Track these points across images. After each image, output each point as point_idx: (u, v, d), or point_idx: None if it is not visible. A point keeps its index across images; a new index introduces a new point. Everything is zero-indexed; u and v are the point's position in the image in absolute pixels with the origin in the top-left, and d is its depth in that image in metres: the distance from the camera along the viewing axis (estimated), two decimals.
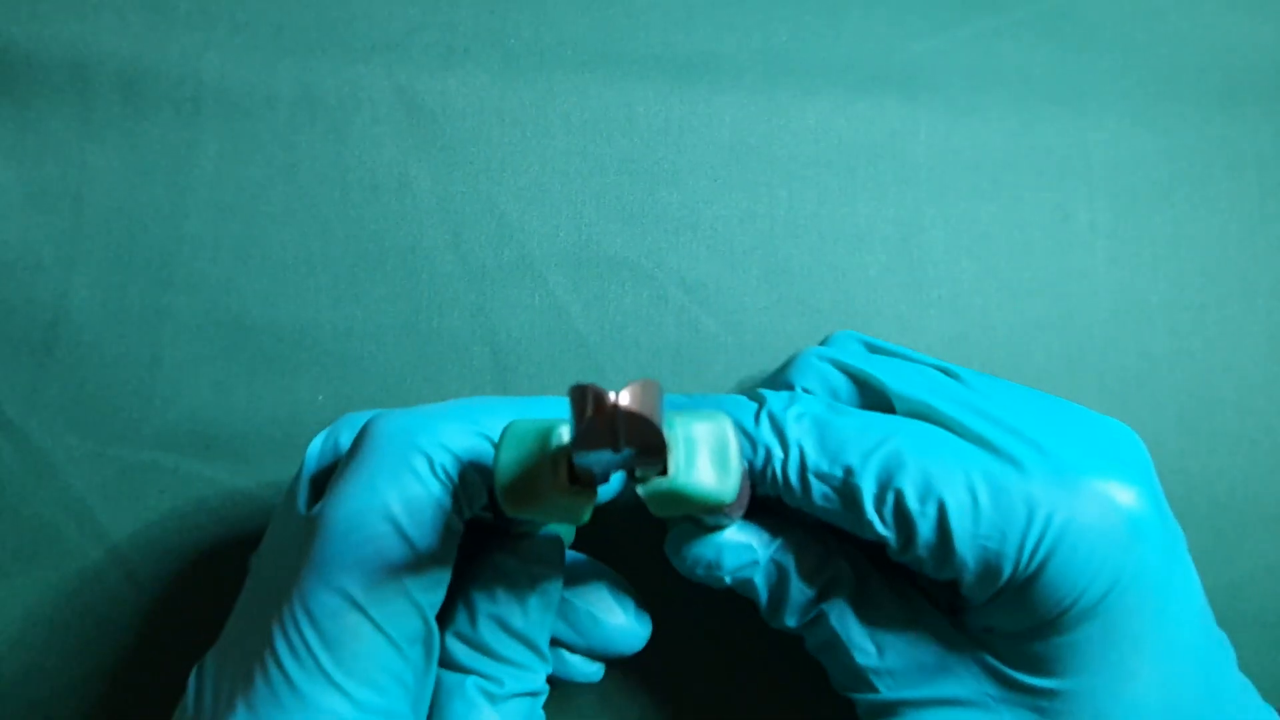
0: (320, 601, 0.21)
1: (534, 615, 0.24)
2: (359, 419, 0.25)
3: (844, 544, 0.25)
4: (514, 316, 0.31)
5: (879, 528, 0.22)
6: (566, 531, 0.27)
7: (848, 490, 0.23)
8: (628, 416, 0.17)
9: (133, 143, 0.32)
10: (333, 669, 0.21)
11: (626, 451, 0.18)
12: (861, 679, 0.24)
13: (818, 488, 0.23)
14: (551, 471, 0.20)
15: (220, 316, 0.31)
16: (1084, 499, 0.21)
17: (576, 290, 0.31)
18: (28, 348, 0.31)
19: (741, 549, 0.24)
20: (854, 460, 0.23)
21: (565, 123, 0.32)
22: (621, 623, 0.27)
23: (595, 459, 0.19)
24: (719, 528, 0.25)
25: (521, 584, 0.24)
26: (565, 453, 0.20)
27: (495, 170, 0.32)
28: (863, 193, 0.32)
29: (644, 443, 0.18)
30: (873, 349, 0.28)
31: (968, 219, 0.32)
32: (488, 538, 0.25)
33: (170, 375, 0.31)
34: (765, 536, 0.25)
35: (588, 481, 0.20)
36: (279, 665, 0.21)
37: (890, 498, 0.22)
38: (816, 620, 0.25)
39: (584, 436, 0.17)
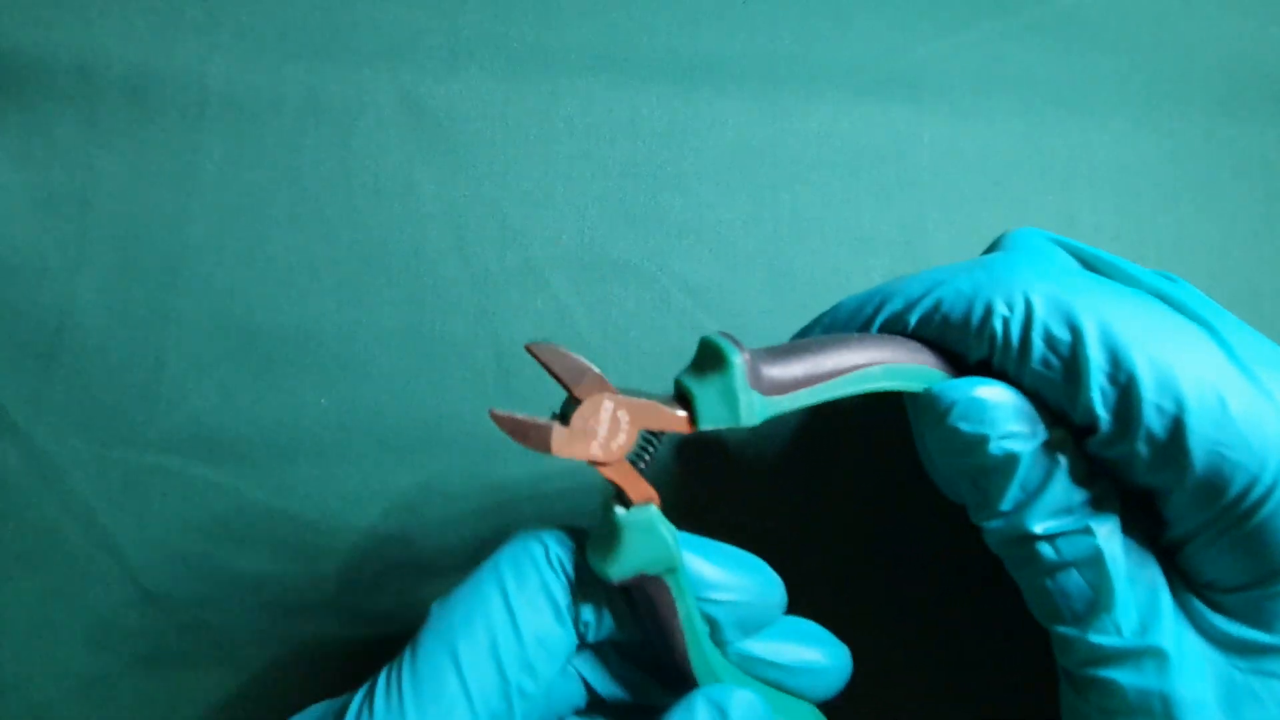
0: (427, 649, 0.22)
1: None
2: None
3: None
4: (517, 320, 0.31)
5: (1097, 407, 0.20)
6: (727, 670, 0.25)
7: (1074, 358, 0.20)
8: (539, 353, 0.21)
9: (138, 147, 0.32)
10: (412, 712, 0.21)
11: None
12: (1095, 615, 0.21)
13: (1039, 350, 0.21)
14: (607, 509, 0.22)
15: (225, 320, 0.31)
16: None
17: (580, 293, 0.31)
18: (33, 352, 0.31)
19: (1022, 414, 0.21)
20: (1088, 326, 0.20)
21: (569, 126, 0.32)
22: (816, 660, 0.24)
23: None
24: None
25: None
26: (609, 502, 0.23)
27: (499, 174, 0.32)
28: (867, 196, 0.32)
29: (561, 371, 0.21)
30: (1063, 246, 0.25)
31: (972, 222, 0.32)
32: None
33: (175, 379, 0.31)
34: (1042, 419, 0.21)
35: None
36: (370, 697, 0.22)
37: (1122, 378, 0.20)
38: (1075, 534, 0.21)
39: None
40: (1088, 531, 0.21)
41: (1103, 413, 0.20)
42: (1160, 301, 0.21)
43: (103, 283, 0.31)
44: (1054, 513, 0.21)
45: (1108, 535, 0.21)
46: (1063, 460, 0.21)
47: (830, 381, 0.22)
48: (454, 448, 0.30)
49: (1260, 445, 0.19)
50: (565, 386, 0.22)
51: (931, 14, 0.33)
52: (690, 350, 0.22)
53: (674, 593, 0.23)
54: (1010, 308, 0.21)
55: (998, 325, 0.21)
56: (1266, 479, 0.19)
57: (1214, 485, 0.19)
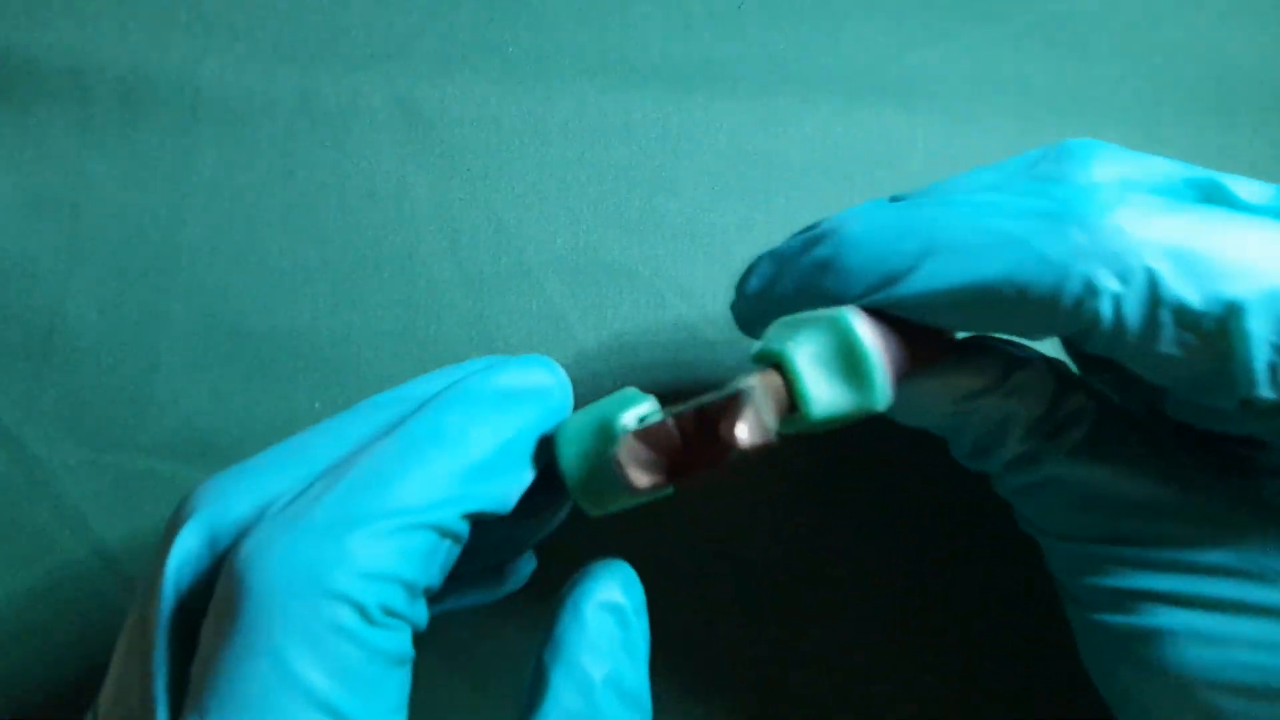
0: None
1: (641, 661, 0.19)
2: (220, 499, 0.19)
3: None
4: (511, 323, 0.31)
5: (1263, 390, 0.16)
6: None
7: (1225, 335, 0.16)
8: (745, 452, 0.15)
9: (131, 150, 0.32)
10: None
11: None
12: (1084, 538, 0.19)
13: (1171, 332, 0.16)
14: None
15: (217, 323, 0.31)
16: None
17: (574, 297, 0.31)
18: (24, 354, 0.31)
19: (948, 396, 0.19)
20: (1246, 293, 0.16)
21: (563, 130, 0.32)
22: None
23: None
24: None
25: (625, 626, 0.18)
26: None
27: (493, 177, 0.32)
28: (860, 201, 0.32)
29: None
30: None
31: None
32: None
33: (167, 382, 0.30)
34: (992, 371, 0.19)
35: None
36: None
37: None
38: (1027, 465, 0.20)
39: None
40: (1037, 464, 0.20)
41: (1271, 395, 0.16)
42: None
43: (94, 286, 0.31)
44: (1008, 463, 0.20)
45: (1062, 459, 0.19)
46: (1019, 414, 0.19)
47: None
48: None
49: None
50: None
51: (925, 20, 0.33)
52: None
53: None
54: (1125, 281, 0.16)
55: (1105, 308, 0.17)
56: None
57: None
